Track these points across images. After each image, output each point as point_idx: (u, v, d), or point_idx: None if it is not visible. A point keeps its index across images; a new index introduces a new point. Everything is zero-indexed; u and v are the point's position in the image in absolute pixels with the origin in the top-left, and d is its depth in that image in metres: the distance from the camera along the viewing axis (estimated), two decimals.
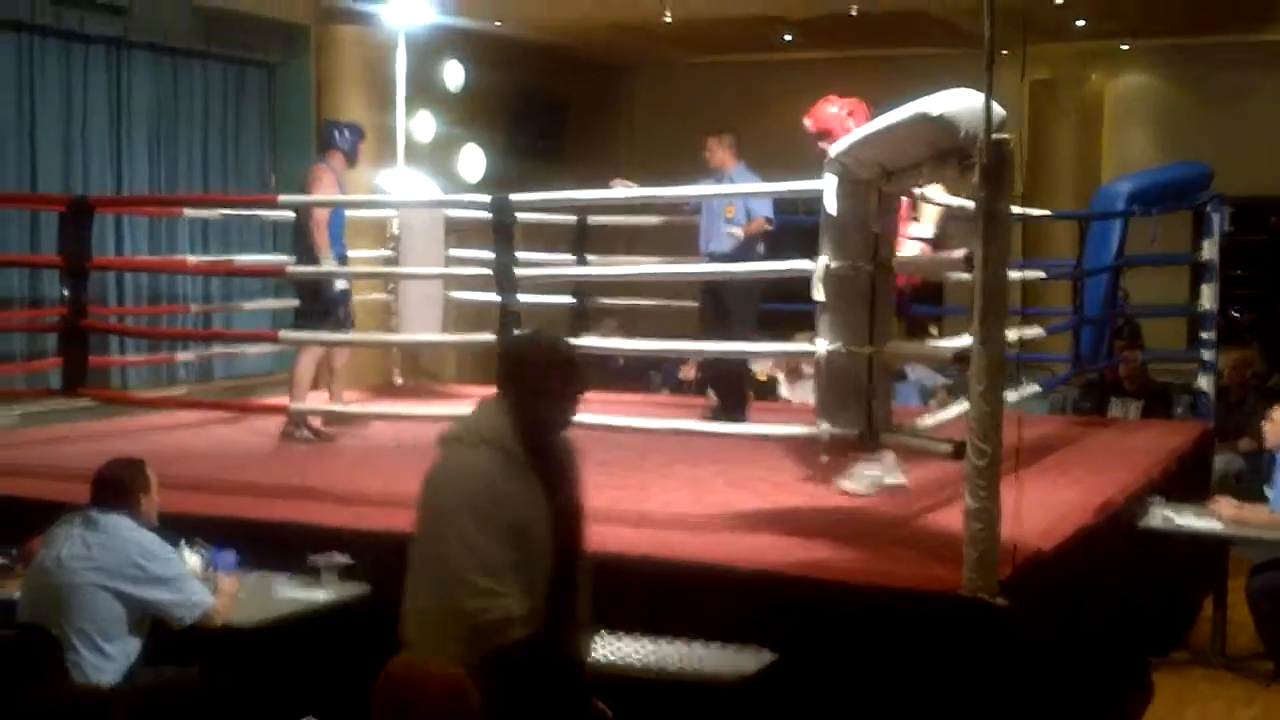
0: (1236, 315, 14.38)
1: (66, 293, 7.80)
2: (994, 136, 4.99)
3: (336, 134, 9.35)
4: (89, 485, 5.59)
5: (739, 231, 8.67)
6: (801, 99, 7.40)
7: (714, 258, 8.86)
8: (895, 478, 6.75)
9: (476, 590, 3.79)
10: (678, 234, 9.82)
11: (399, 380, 11.58)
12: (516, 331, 6.10)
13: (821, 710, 5.34)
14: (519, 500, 3.96)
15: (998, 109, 5.06)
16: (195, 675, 5.47)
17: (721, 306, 8.83)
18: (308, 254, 8.82)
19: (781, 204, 8.98)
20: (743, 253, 8.70)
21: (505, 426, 4.06)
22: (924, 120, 5.41)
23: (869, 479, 6.74)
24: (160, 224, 11.30)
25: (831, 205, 6.15)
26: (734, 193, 8.67)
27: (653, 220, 10.42)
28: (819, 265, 6.17)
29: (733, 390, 9.18)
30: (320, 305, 8.83)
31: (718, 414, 8.94)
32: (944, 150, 5.43)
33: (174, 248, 11.30)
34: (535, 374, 4.12)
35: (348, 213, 11.56)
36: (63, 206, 8.00)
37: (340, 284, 8.88)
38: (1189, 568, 8.23)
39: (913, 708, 5.22)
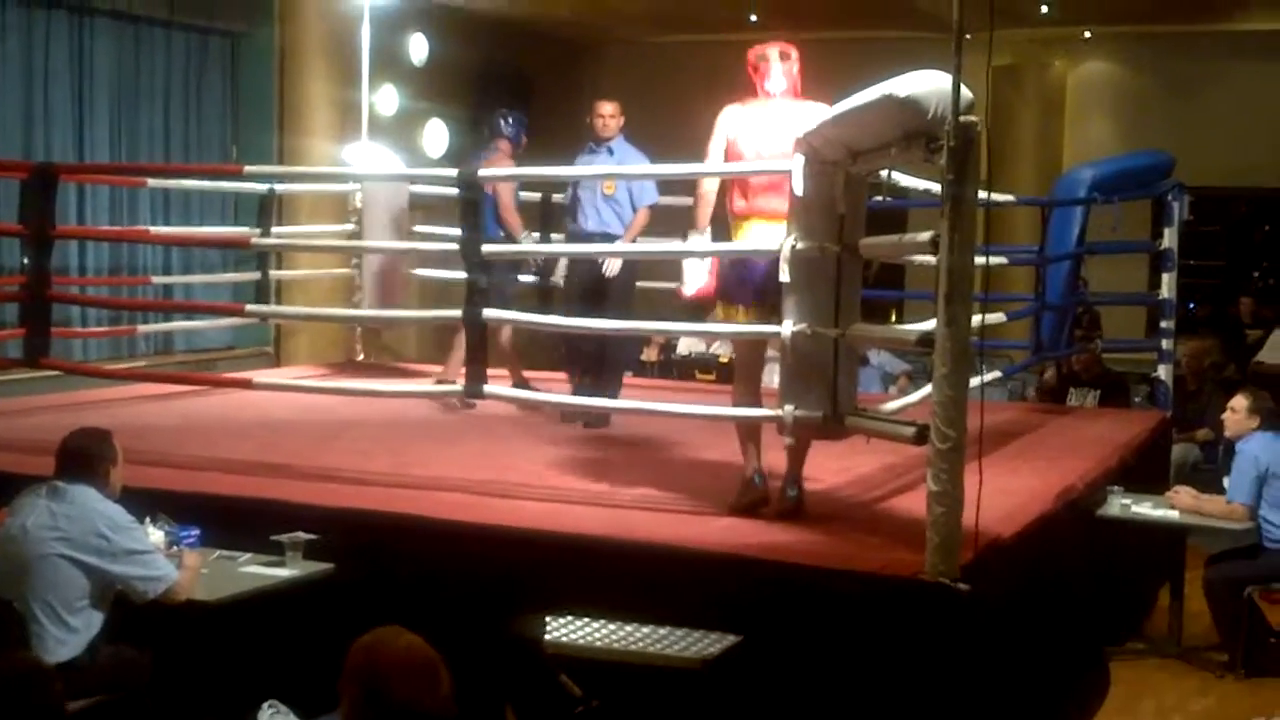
0: (1191, 308, 14.47)
1: (28, 262, 7.74)
2: (961, 119, 5.02)
3: (502, 122, 9.58)
4: (53, 457, 5.55)
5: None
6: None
7: (594, 237, 8.70)
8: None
9: None
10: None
11: (361, 356, 11.56)
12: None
13: (785, 693, 5.36)
14: None
15: (965, 91, 5.08)
16: (148, 657, 5.45)
17: (600, 289, 8.53)
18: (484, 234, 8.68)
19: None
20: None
21: None
22: (891, 101, 5.40)
23: None
24: (122, 195, 11.22)
25: (798, 186, 6.14)
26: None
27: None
28: (785, 246, 6.16)
29: (613, 378, 8.84)
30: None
31: (581, 391, 8.62)
32: (911, 131, 5.43)
33: (135, 219, 11.22)
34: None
35: (311, 187, 11.62)
36: (26, 173, 7.93)
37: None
38: (1146, 557, 8.29)
39: (875, 690, 5.25)
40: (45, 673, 3.58)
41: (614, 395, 8.55)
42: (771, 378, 7.80)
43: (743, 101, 6.62)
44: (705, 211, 6.69)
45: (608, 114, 8.73)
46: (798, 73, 6.62)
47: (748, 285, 6.45)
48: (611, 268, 8.50)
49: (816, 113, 6.24)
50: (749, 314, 6.49)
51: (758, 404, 6.50)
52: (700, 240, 6.78)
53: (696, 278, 6.85)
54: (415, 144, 13.67)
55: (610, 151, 8.73)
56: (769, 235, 6.35)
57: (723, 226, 6.79)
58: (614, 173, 8.52)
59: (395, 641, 3.41)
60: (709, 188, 6.67)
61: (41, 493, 5.38)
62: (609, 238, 8.65)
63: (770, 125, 6.50)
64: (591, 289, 8.54)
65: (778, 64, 6.58)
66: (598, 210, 8.70)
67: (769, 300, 6.30)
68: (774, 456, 6.40)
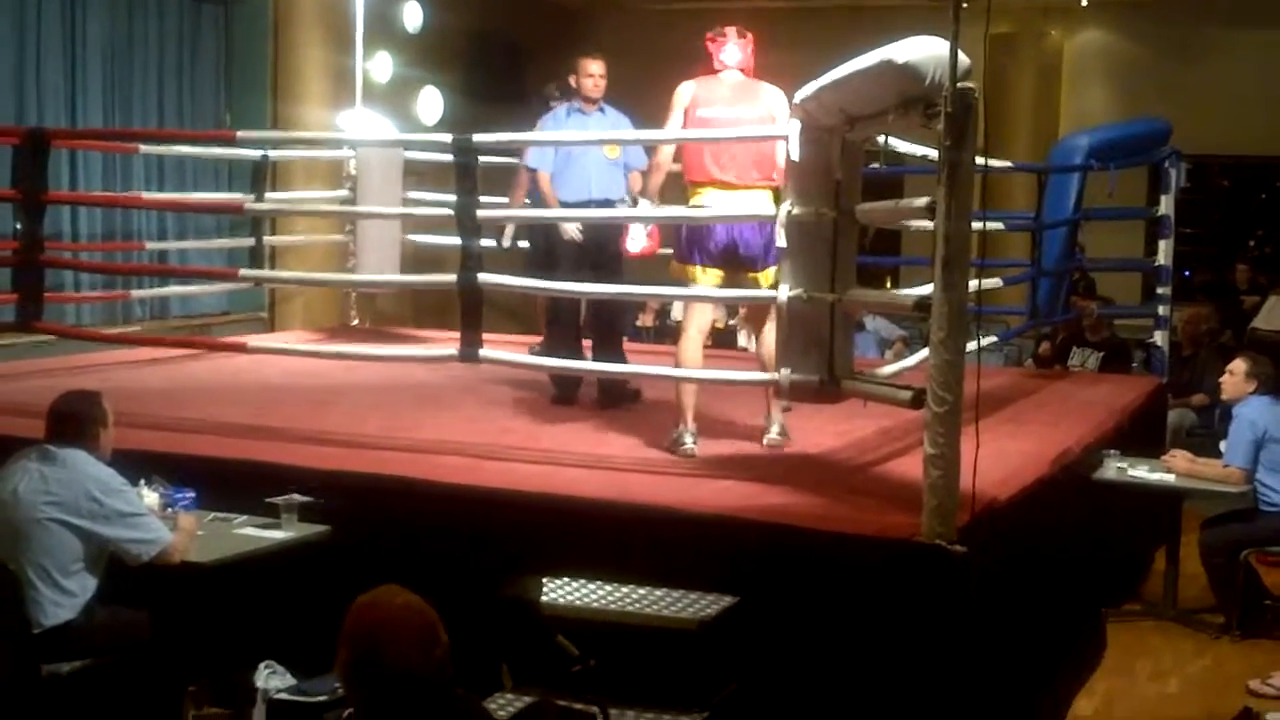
0: (1187, 275, 14.47)
1: (21, 226, 7.71)
2: (959, 85, 5.00)
3: (558, 92, 9.35)
4: (44, 421, 5.54)
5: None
6: (763, 48, 7.35)
7: (596, 203, 8.12)
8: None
9: None
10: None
11: (355, 322, 11.54)
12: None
13: (781, 655, 5.37)
14: None
15: (963, 58, 5.06)
16: (145, 620, 5.45)
17: (601, 258, 8.03)
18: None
19: None
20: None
21: None
22: (889, 67, 5.38)
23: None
24: (114, 162, 11.16)
25: (795, 151, 6.15)
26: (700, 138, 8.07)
27: None
28: (782, 211, 6.17)
29: (618, 345, 8.56)
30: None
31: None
32: (909, 97, 5.41)
33: (128, 185, 11.16)
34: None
35: (305, 153, 11.57)
36: (18, 139, 7.90)
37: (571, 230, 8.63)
38: (1142, 520, 8.31)
39: (870, 652, 5.25)
40: (18, 639, 3.55)
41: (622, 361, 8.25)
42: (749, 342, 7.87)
43: (698, 77, 6.99)
44: (659, 179, 7.14)
45: (598, 74, 8.14)
46: (752, 54, 7.01)
47: (706, 248, 6.81)
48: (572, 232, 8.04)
49: (771, 92, 6.83)
50: (705, 274, 6.85)
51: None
52: (649, 206, 7.25)
53: (639, 239, 7.37)
54: (410, 111, 13.60)
55: (603, 112, 8.26)
56: (724, 203, 6.78)
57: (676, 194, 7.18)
58: (610, 138, 8.12)
59: (391, 601, 3.40)
60: (666, 157, 7.10)
61: (32, 456, 5.37)
62: (611, 204, 8.22)
63: (725, 97, 6.89)
64: (594, 258, 8.07)
65: (734, 40, 7.00)
66: (602, 175, 8.17)
67: (727, 264, 6.81)
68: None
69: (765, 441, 6.94)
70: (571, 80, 8.27)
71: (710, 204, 6.82)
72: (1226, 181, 16.13)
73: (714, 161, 6.80)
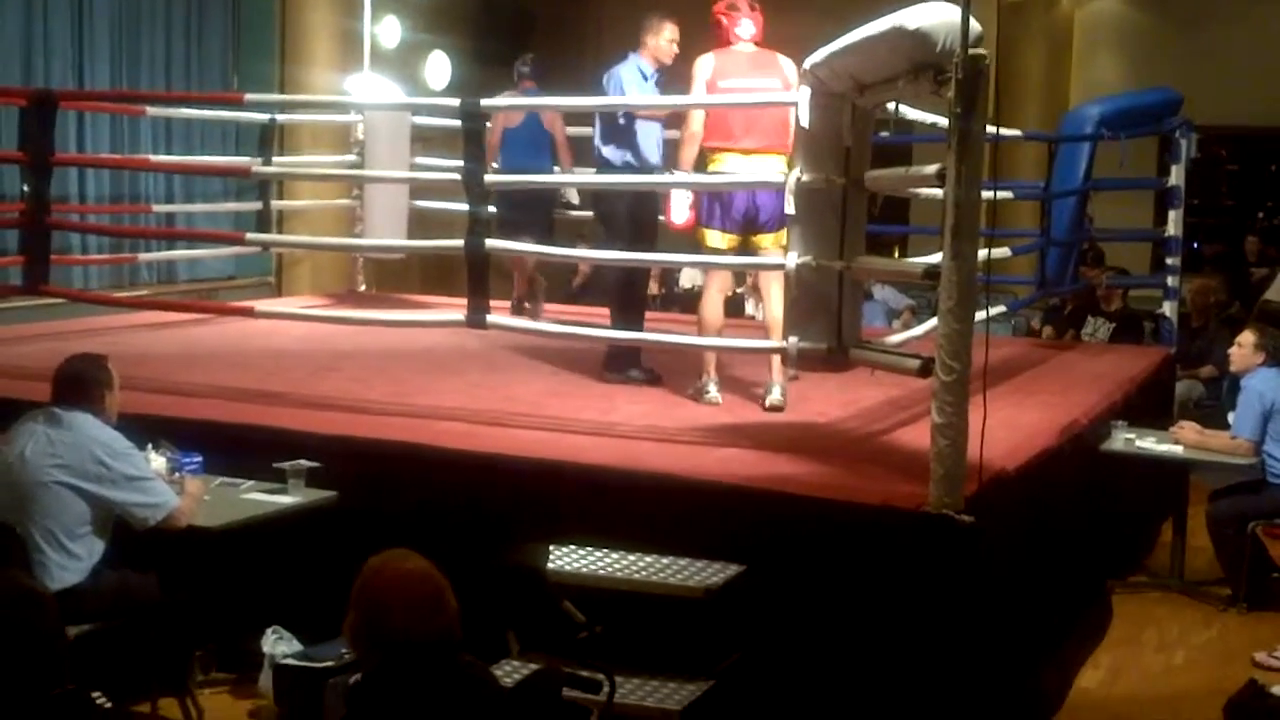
0: (1195, 247, 14.42)
1: (28, 189, 7.69)
2: (970, 51, 4.97)
3: (524, 67, 9.84)
4: (50, 384, 5.53)
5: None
6: (772, 16, 7.32)
7: (656, 170, 7.73)
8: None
9: None
10: None
11: (363, 287, 11.53)
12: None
13: (787, 623, 5.36)
14: None
15: (974, 24, 5.03)
16: (154, 582, 5.45)
17: (639, 227, 7.73)
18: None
19: None
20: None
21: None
22: (900, 33, 5.35)
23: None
24: (122, 125, 11.14)
25: (805, 118, 6.13)
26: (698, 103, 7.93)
27: None
28: (791, 178, 6.15)
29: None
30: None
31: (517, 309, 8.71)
32: (920, 64, 5.38)
33: (136, 148, 11.14)
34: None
35: (312, 116, 11.55)
36: (25, 100, 7.87)
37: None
38: (1149, 492, 8.29)
39: (877, 622, 5.25)
40: (38, 595, 3.54)
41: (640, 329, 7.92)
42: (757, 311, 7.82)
43: (715, 50, 7.07)
44: (692, 151, 7.07)
45: (678, 37, 7.72)
46: (761, 25, 7.12)
47: (729, 214, 6.92)
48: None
49: (786, 62, 6.90)
50: (725, 237, 6.95)
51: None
52: (694, 175, 7.10)
53: (682, 210, 7.17)
54: (417, 76, 13.57)
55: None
56: (744, 168, 6.86)
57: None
58: (639, 103, 7.69)
59: (401, 566, 3.40)
60: (698, 128, 7.02)
61: (39, 419, 5.36)
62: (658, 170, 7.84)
63: (745, 68, 6.98)
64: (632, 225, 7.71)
65: (747, 14, 7.10)
66: (657, 146, 7.75)
67: (745, 230, 6.93)
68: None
69: (766, 403, 6.93)
70: (649, 39, 7.75)
71: (730, 169, 6.90)
72: (1224, 152, 16.02)
73: (734, 128, 6.88)
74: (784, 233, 6.73)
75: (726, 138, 6.92)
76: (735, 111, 6.91)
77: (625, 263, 7.53)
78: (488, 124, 7.13)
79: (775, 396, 6.92)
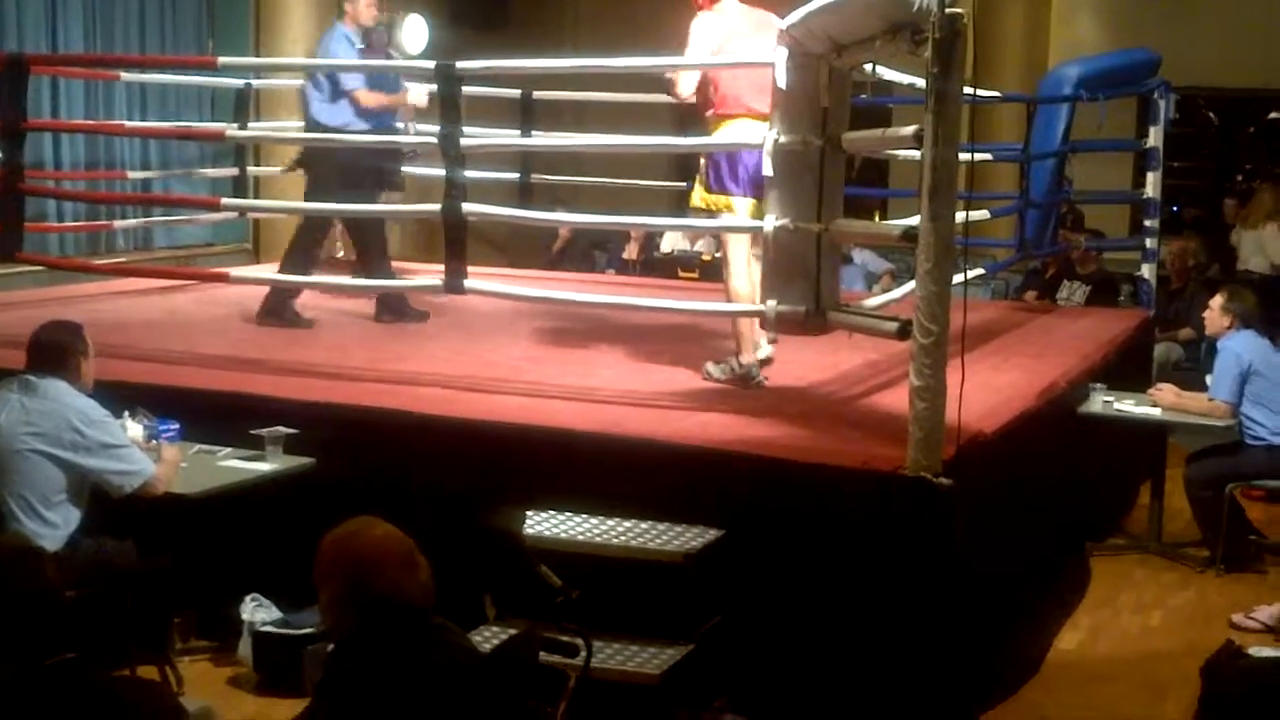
0: (1175, 210, 14.41)
1: (1, 155, 7.63)
2: (946, 10, 4.95)
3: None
4: (25, 351, 5.50)
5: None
6: None
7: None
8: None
9: None
10: (625, 109, 9.70)
11: (340, 254, 11.47)
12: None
13: (766, 587, 5.37)
14: None
15: None
16: (131, 549, 5.44)
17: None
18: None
19: None
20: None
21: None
22: None
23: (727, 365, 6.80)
24: (97, 91, 11.06)
25: (781, 79, 6.09)
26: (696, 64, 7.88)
27: (600, 95, 10.27)
28: (768, 139, 6.12)
29: (372, 251, 8.69)
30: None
31: (357, 274, 8.70)
32: (896, 24, 5.35)
33: (110, 114, 11.07)
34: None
35: (288, 81, 11.46)
36: None
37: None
38: (1127, 454, 8.32)
39: (856, 584, 5.26)
40: (34, 552, 3.52)
41: (389, 275, 8.55)
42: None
43: (708, 7, 6.74)
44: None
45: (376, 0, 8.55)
46: None
47: (741, 176, 6.58)
48: None
49: (779, 21, 6.39)
50: (742, 203, 6.60)
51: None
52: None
53: (690, 82, 6.81)
54: (394, 39, 13.46)
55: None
56: (758, 133, 6.41)
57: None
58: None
59: (372, 531, 3.39)
60: (687, 91, 6.77)
61: (13, 387, 5.33)
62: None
63: (748, 30, 6.66)
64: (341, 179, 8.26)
65: None
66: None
67: (758, 192, 6.46)
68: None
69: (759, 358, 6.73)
70: (350, 6, 8.51)
71: (745, 135, 6.57)
72: (1216, 113, 15.99)
73: (744, 91, 6.60)
74: None
75: (738, 104, 6.63)
76: (744, 74, 6.60)
77: (623, 226, 7.54)
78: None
79: (766, 350, 6.70)
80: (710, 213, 6.73)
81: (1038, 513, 6.82)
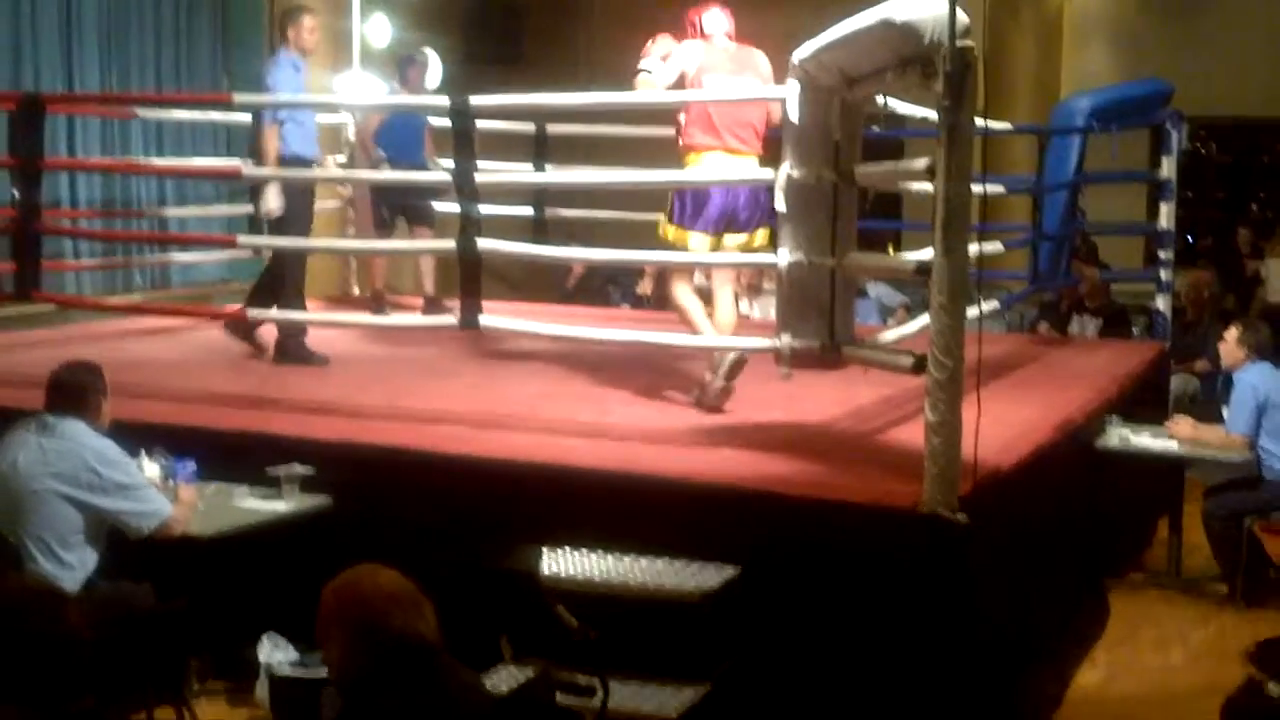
0: (1190, 241, 14.41)
1: (18, 194, 7.66)
2: (958, 44, 4.95)
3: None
4: (44, 391, 5.51)
5: None
6: (761, 8, 7.33)
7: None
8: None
9: None
10: (638, 143, 9.71)
11: (356, 291, 11.50)
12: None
13: (783, 625, 5.35)
14: None
15: (962, 16, 5.01)
16: (149, 591, 5.43)
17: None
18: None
19: None
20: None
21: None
22: (888, 25, 5.34)
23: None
24: (113, 129, 11.10)
25: (793, 113, 6.11)
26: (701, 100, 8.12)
27: (613, 129, 10.30)
28: (781, 174, 6.13)
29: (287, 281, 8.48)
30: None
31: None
32: (907, 57, 5.37)
33: (127, 152, 11.10)
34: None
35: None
36: (13, 104, 7.84)
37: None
38: (1145, 489, 8.28)
39: (872, 622, 5.24)
40: (58, 596, 3.52)
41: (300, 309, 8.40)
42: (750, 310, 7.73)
43: (702, 39, 6.97)
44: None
45: (317, 25, 8.63)
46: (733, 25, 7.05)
47: (707, 214, 6.78)
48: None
49: (761, 57, 6.86)
50: (700, 239, 6.81)
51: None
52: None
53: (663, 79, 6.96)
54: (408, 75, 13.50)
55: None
56: (726, 168, 6.73)
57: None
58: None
59: (374, 575, 3.38)
60: (661, 83, 6.88)
61: (31, 427, 5.34)
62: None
63: (727, 65, 6.88)
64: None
65: (718, 10, 7.02)
66: (312, 138, 8.62)
67: (723, 230, 6.79)
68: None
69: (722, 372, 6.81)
70: (293, 33, 8.46)
71: (720, 170, 6.77)
72: (1213, 144, 15.97)
73: (721, 127, 6.78)
74: (759, 234, 6.78)
75: (708, 136, 6.81)
76: (720, 109, 6.80)
77: (620, 263, 7.57)
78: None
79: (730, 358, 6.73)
80: (674, 247, 6.89)
81: (1055, 548, 6.79)
